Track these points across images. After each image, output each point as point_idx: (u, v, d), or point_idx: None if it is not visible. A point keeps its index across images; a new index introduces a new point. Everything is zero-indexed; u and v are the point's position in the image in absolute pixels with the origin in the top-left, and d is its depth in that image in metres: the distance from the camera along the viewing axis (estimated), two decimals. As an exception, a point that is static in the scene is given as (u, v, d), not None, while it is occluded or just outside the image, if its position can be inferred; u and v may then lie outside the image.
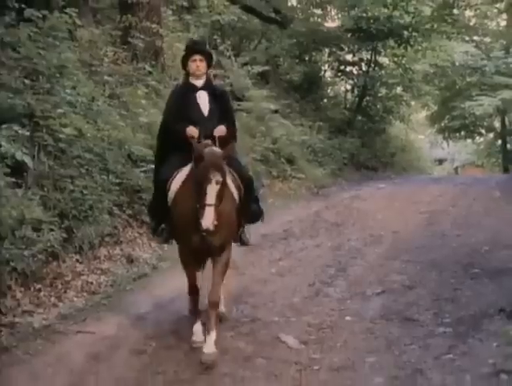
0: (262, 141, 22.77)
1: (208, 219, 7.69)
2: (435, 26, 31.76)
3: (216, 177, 7.87)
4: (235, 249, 14.72)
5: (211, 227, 7.73)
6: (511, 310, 10.49)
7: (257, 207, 9.95)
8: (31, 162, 11.69)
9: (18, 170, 11.44)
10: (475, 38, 36.65)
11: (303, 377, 8.64)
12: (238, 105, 23.03)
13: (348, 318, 10.80)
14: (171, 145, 9.28)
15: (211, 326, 8.67)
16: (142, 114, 15.71)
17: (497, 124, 36.32)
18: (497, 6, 35.40)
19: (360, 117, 31.57)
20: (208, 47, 10.82)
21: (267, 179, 22.17)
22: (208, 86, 9.51)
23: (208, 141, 8.56)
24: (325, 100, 32.39)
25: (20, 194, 11.41)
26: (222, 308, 9.96)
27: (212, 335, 8.56)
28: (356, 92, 32.94)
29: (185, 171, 8.82)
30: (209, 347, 8.43)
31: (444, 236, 15.79)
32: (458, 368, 8.80)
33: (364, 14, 29.65)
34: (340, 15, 31.77)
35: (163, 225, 9.48)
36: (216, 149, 8.33)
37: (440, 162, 41.54)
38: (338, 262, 13.75)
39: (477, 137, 39.22)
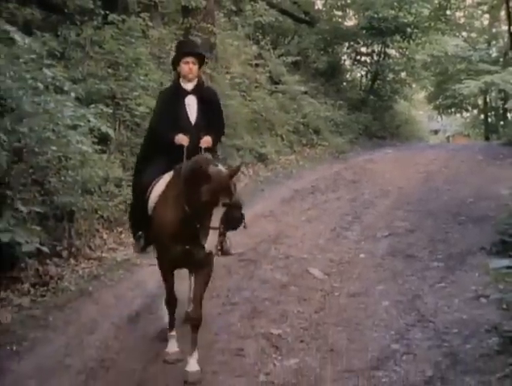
0: (294, 116, 22.69)
1: (212, 243, 5.96)
2: (432, 24, 31.68)
3: (223, 200, 6.04)
4: (273, 200, 14.74)
5: (214, 251, 6.09)
6: (490, 248, 10.54)
7: (238, 214, 7.50)
8: (113, 133, 11.83)
9: (103, 140, 11.59)
10: (463, 33, 36.46)
11: (327, 301, 8.76)
12: (276, 88, 23.01)
13: (362, 255, 10.90)
14: (156, 149, 7.35)
15: (193, 346, 6.75)
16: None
17: (480, 102, 36.13)
18: (482, 8, 35.20)
19: (372, 97, 31.35)
20: (199, 48, 8.25)
21: (298, 146, 22.14)
22: (198, 90, 7.43)
23: (209, 156, 6.60)
24: (344, 84, 32.21)
25: (105, 158, 11.60)
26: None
27: (195, 355, 6.71)
28: (369, 76, 32.69)
29: (166, 178, 6.98)
30: (192, 365, 6.67)
31: (438, 190, 15.77)
32: (448, 294, 8.86)
33: (375, 15, 29.44)
34: (356, 16, 31.51)
35: (139, 232, 7.52)
36: (224, 170, 6.38)
37: (435, 132, 41.29)
38: (354, 211, 13.80)
39: (464, 113, 38.95)
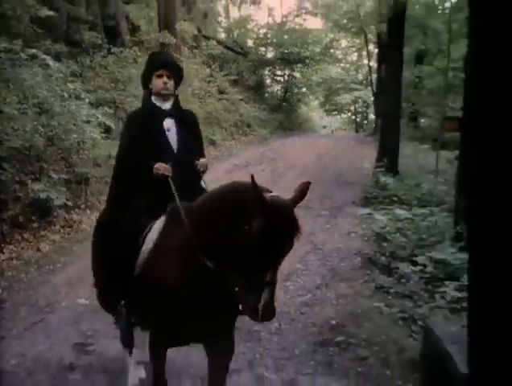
0: (234, 115, 22.63)
1: (272, 307, 2.71)
2: (322, 57, 32.02)
3: (289, 242, 2.97)
4: (220, 171, 14.72)
5: (273, 318, 2.75)
6: (358, 202, 10.83)
7: None
8: (113, 125, 11.74)
9: (107, 130, 11.52)
10: (341, 64, 36.87)
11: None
12: (221, 97, 22.86)
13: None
14: (132, 186, 3.88)
15: None
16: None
17: (352, 107, 36.70)
18: (352, 48, 35.81)
19: (284, 103, 31.37)
20: (174, 60, 4.68)
21: (237, 135, 22.11)
22: (176, 111, 4.11)
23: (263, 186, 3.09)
24: (266, 94, 32.12)
25: (108, 142, 11.40)
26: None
27: None
28: (282, 90, 32.74)
29: (159, 225, 3.52)
30: None
31: (326, 165, 16.04)
32: (331, 231, 9.12)
33: (286, 50, 29.68)
34: (274, 51, 31.46)
35: (121, 302, 3.67)
36: (284, 198, 3.03)
37: (324, 127, 41.42)
38: (273, 178, 13.81)
39: (343, 114, 39.43)
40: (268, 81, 33.58)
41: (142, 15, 19.91)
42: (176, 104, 4.16)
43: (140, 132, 3.94)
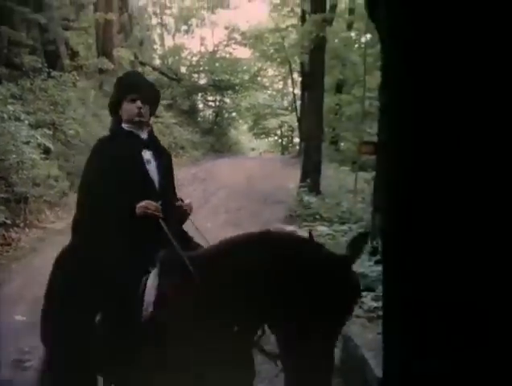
0: (168, 138, 22.58)
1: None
2: (250, 84, 32.49)
3: (350, 310, 2.22)
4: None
5: None
6: (284, 219, 10.90)
7: None
8: (52, 146, 11.49)
9: (46, 151, 11.20)
10: (268, 91, 37.23)
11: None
12: (156, 120, 22.80)
13: (208, 224, 10.94)
14: (110, 229, 2.76)
15: None
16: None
17: (278, 131, 37.08)
18: (278, 77, 36.22)
19: (215, 127, 31.43)
20: (149, 82, 3.44)
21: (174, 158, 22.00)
22: (153, 142, 3.22)
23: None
24: (199, 118, 32.08)
25: (47, 163, 11.11)
26: None
27: None
28: (214, 115, 32.79)
29: (154, 281, 2.55)
30: None
31: (254, 185, 16.05)
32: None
33: (216, 77, 29.96)
34: (206, 78, 31.56)
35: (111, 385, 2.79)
36: (340, 255, 2.18)
37: (253, 149, 41.58)
38: (205, 197, 13.82)
39: (270, 138, 39.78)
40: (200, 106, 33.65)
41: (81, 41, 19.64)
42: (152, 134, 3.28)
43: (114, 163, 2.94)
